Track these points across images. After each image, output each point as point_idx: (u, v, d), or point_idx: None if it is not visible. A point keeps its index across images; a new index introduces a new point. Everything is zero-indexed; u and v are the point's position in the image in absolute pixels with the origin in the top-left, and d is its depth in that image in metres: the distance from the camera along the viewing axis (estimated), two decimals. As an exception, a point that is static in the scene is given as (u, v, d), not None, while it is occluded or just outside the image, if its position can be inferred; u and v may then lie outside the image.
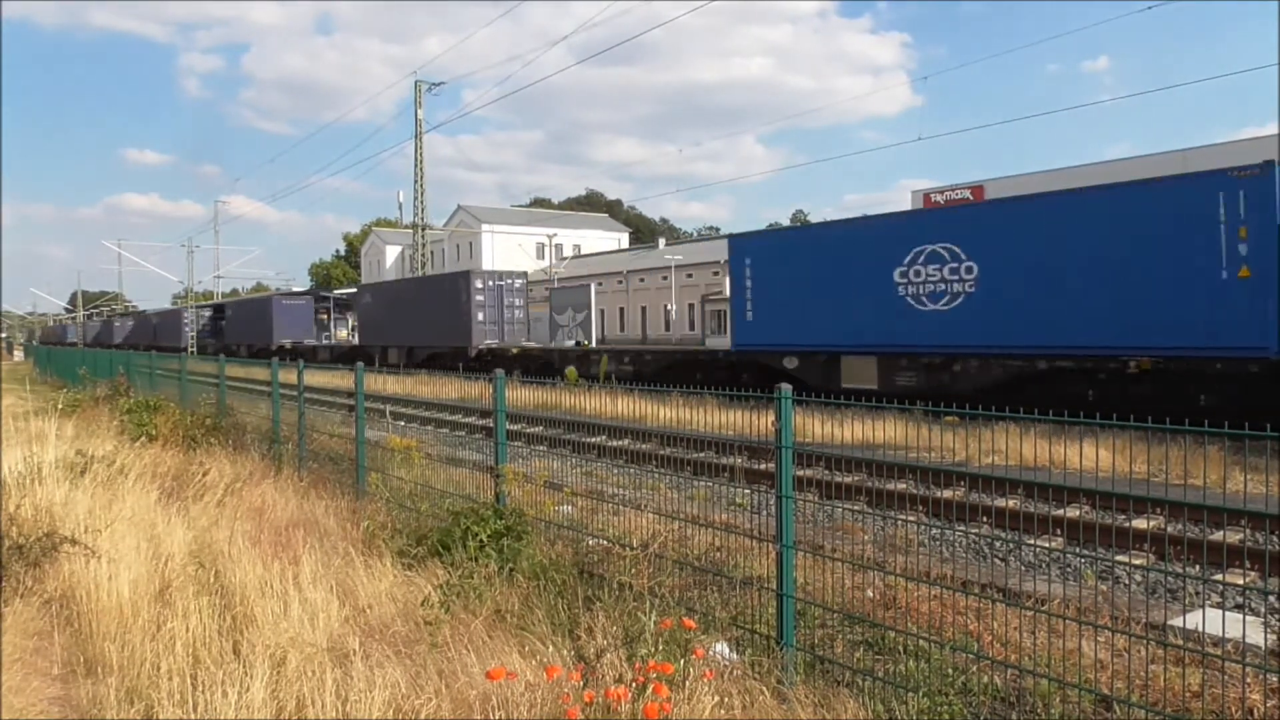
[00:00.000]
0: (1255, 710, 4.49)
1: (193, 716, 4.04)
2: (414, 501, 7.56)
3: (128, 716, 4.32)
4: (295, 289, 77.09)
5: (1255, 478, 10.10)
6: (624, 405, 14.32)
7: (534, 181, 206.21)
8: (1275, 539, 7.23)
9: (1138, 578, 7.29)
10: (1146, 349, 15.09)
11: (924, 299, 18.54)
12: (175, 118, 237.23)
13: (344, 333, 54.47)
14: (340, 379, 16.01)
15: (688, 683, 3.98)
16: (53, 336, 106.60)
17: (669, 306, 65.73)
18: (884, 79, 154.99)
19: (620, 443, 10.91)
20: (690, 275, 65.58)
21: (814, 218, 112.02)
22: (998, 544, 8.28)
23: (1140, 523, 8.57)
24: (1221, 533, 7.97)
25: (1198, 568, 7.03)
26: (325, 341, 52.08)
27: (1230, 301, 13.97)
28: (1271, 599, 6.58)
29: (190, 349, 56.76)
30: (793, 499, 4.59)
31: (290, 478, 9.67)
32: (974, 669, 4.66)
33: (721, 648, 4.64)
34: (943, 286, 18.22)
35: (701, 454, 10.44)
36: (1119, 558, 7.29)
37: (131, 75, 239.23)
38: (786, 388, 4.52)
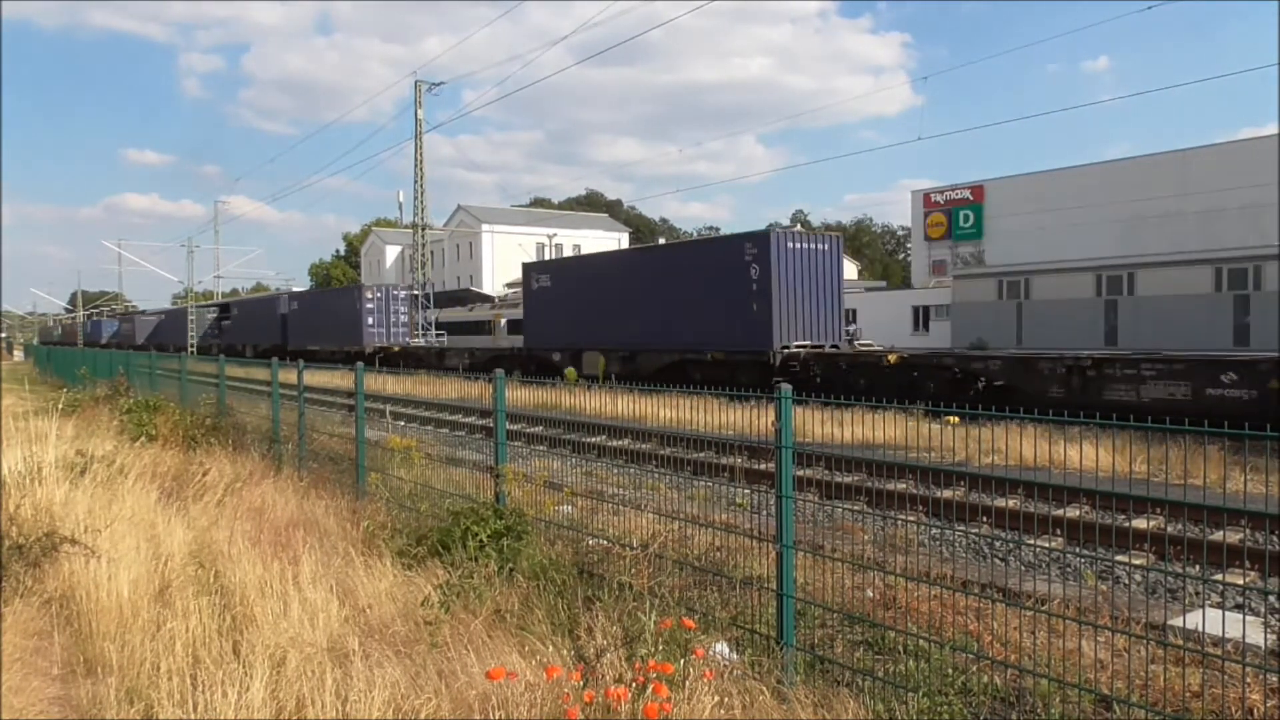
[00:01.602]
0: (1255, 710, 4.49)
1: (193, 716, 4.04)
2: (414, 501, 7.56)
3: (128, 716, 4.32)
4: (296, 289, 76.30)
5: (1255, 478, 10.10)
6: (624, 405, 14.31)
7: (534, 181, 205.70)
8: (1275, 539, 7.23)
9: (1138, 578, 7.30)
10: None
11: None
12: (175, 118, 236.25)
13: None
14: (340, 379, 15.99)
15: (688, 683, 3.98)
16: (74, 336, 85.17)
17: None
18: (884, 79, 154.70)
19: (620, 443, 10.91)
20: (690, 275, 65.48)
21: (814, 218, 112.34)
22: (998, 544, 8.28)
23: (1140, 523, 8.57)
24: (1221, 533, 7.97)
25: (1198, 568, 7.03)
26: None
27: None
28: (1271, 599, 6.58)
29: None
30: (793, 499, 4.59)
31: (290, 478, 9.66)
32: (974, 669, 4.66)
33: (721, 648, 4.64)
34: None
35: (701, 454, 10.44)
36: (1119, 558, 7.28)
37: (131, 75, 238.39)
38: (787, 387, 4.52)
